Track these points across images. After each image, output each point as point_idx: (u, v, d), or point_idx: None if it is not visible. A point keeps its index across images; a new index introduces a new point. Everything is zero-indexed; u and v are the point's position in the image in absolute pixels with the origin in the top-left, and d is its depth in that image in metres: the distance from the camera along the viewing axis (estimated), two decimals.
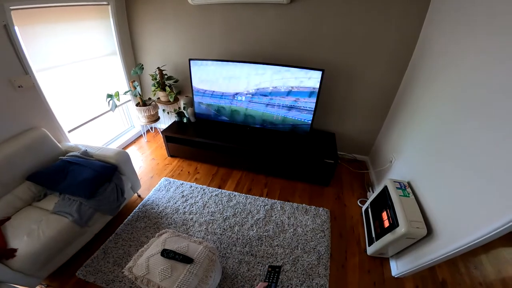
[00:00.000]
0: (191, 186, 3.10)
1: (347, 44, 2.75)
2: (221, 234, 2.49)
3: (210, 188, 3.09)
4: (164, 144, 3.60)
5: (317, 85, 2.66)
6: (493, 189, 1.39)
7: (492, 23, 1.60)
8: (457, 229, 1.59)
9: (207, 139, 3.23)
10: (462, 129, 1.74)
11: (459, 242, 1.54)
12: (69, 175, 2.24)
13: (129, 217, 2.66)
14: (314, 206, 2.83)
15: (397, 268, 2.15)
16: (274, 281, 1.12)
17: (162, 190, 3.03)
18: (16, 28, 2.17)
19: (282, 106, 2.92)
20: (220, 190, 3.06)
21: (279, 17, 2.77)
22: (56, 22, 2.63)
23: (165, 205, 2.82)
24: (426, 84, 2.30)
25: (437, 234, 1.76)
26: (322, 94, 2.90)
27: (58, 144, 2.51)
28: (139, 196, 2.97)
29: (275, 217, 2.70)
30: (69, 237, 2.01)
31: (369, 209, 2.51)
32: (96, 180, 2.24)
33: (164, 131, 3.41)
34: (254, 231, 2.53)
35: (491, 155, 1.44)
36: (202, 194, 2.98)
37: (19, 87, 2.26)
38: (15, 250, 1.74)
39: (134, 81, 3.39)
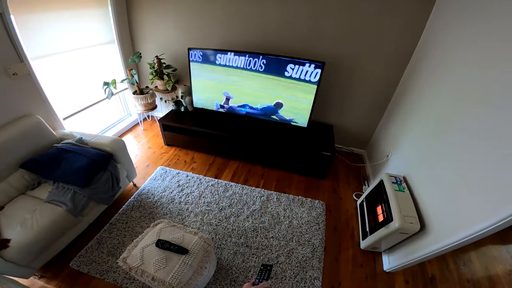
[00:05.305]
0: (187, 176, 3.09)
1: (349, 37, 2.70)
2: (216, 225, 2.50)
3: (207, 178, 3.08)
4: (160, 133, 3.58)
5: (317, 78, 2.63)
6: (486, 188, 1.40)
7: (498, 23, 1.59)
8: (450, 226, 1.60)
9: (204, 129, 3.20)
10: (461, 127, 1.73)
11: (451, 238, 1.55)
12: (63, 163, 2.21)
13: (124, 206, 2.65)
14: (310, 199, 2.84)
15: (389, 262, 2.18)
16: (264, 278, 1.13)
17: (158, 179, 3.02)
18: (12, 16, 2.14)
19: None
20: (217, 180, 3.05)
21: (280, 7, 2.71)
22: (53, 10, 2.58)
23: (160, 194, 2.82)
24: (428, 81, 2.28)
25: (430, 230, 1.77)
26: (321, 86, 2.88)
27: (53, 132, 2.48)
28: (134, 185, 2.96)
29: (271, 208, 2.71)
30: (63, 227, 2.00)
31: (364, 203, 2.53)
32: (91, 168, 2.22)
33: (161, 120, 3.38)
34: (250, 223, 2.54)
35: (487, 154, 1.45)
36: (198, 184, 2.97)
37: (13, 74, 2.23)
38: (8, 241, 1.72)
39: (131, 69, 3.34)
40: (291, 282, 2.08)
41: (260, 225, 2.52)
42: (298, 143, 2.97)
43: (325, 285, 2.09)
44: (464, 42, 1.89)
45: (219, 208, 2.68)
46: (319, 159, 2.98)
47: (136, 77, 3.37)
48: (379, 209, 2.17)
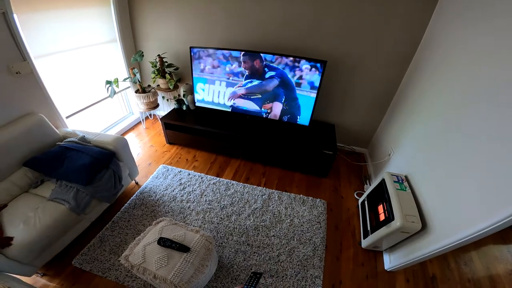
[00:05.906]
0: (189, 174, 3.10)
1: (351, 35, 2.69)
2: (218, 223, 2.51)
3: (208, 176, 3.09)
4: (162, 131, 3.59)
5: (318, 77, 2.63)
6: (488, 187, 1.40)
7: (499, 22, 1.58)
8: (451, 225, 1.60)
9: (206, 127, 3.21)
10: (462, 127, 1.73)
11: (452, 238, 1.55)
12: (66, 161, 2.22)
13: (126, 204, 2.66)
14: (311, 197, 2.84)
15: (390, 261, 2.18)
16: (252, 285, 1.13)
17: (160, 178, 3.03)
18: (14, 15, 2.15)
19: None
20: (218, 178, 3.06)
21: (282, 5, 2.70)
22: (56, 9, 2.59)
23: (162, 192, 2.83)
24: (430, 80, 2.27)
25: (431, 229, 1.77)
26: (323, 85, 2.87)
27: (56, 130, 2.49)
28: (136, 183, 2.97)
29: (272, 207, 2.71)
30: (66, 225, 2.01)
31: (366, 202, 2.52)
32: (94, 166, 2.23)
33: (163, 118, 3.39)
34: (251, 221, 2.54)
35: (488, 153, 1.44)
36: (200, 182, 2.98)
37: (17, 73, 2.25)
38: (11, 239, 1.73)
39: (133, 68, 3.35)
40: (292, 280, 2.08)
41: (261, 224, 2.52)
42: (299, 142, 2.97)
43: (326, 283, 2.10)
44: (465, 41, 1.89)
45: (220, 206, 2.69)
46: (320, 158, 2.98)
47: (138, 75, 3.38)
48: (380, 208, 2.17)
